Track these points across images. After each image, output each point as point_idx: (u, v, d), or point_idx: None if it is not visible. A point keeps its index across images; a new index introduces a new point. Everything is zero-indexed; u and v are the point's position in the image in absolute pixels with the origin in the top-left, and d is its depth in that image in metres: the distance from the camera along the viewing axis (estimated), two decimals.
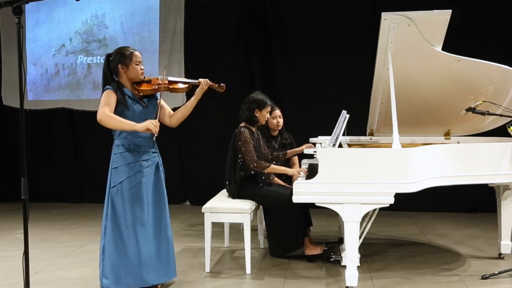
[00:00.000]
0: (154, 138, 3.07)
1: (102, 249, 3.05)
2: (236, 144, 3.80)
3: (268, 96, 3.99)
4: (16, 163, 6.68)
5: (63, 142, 6.71)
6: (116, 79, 3.09)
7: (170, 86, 3.19)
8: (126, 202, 3.02)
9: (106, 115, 2.93)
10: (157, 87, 3.14)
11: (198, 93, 3.21)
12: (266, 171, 3.79)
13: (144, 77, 3.16)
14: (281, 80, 6.10)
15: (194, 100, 3.21)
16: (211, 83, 3.27)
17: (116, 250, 3.01)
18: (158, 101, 3.16)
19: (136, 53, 3.11)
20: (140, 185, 3.05)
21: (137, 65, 3.09)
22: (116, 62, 3.07)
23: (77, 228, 5.20)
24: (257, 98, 3.92)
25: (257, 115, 3.90)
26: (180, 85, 3.22)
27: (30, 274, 2.56)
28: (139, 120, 3.04)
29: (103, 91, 3.07)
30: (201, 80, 3.23)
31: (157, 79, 3.18)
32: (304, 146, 4.15)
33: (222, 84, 3.34)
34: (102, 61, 6.51)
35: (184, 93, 3.40)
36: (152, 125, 2.94)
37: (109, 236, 3.03)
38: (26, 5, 2.57)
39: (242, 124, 3.89)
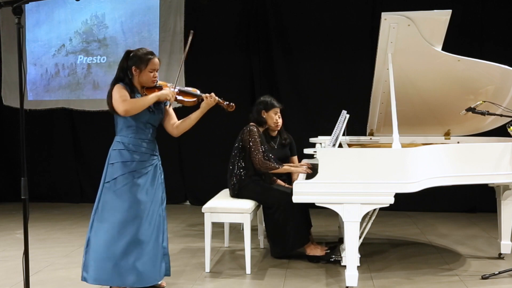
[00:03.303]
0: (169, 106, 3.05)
1: (86, 242, 3.04)
2: (244, 141, 3.84)
3: (274, 99, 4.08)
4: (16, 163, 6.68)
5: (63, 142, 6.71)
6: (130, 78, 3.10)
7: (178, 97, 3.17)
8: (117, 200, 2.99)
9: (129, 102, 2.96)
10: None
11: (203, 107, 3.19)
12: (273, 172, 3.83)
13: (157, 82, 3.15)
14: (281, 80, 6.10)
15: (198, 113, 3.19)
16: (220, 100, 3.24)
17: (100, 246, 2.99)
18: (167, 106, 3.19)
19: (154, 60, 3.08)
20: (133, 185, 3.02)
21: (151, 72, 3.08)
22: (132, 63, 3.07)
23: (77, 228, 5.20)
24: (264, 100, 4.06)
25: (264, 116, 4.01)
26: (188, 99, 3.20)
27: (30, 274, 2.56)
28: (143, 126, 3.07)
29: (113, 83, 3.05)
30: (208, 95, 3.19)
31: (167, 85, 3.17)
32: (300, 168, 4.05)
33: (231, 103, 3.28)
34: (102, 61, 6.66)
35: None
36: (170, 93, 3.07)
37: (95, 231, 3.02)
38: (26, 5, 2.57)
39: (251, 124, 3.96)
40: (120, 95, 2.97)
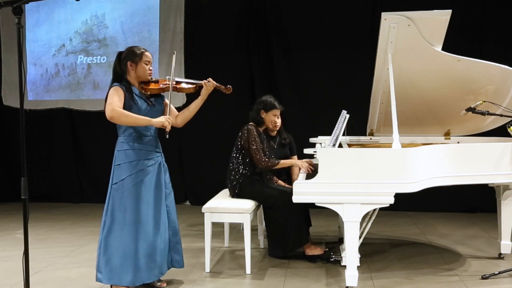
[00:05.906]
0: (167, 136, 3.08)
1: (100, 244, 3.07)
2: (243, 141, 3.84)
3: (277, 100, 4.08)
4: (16, 163, 6.68)
5: (63, 142, 6.71)
6: (125, 77, 3.13)
7: (178, 86, 3.24)
8: (126, 200, 3.03)
9: (118, 111, 2.95)
10: (164, 86, 3.19)
11: (204, 94, 3.27)
12: (276, 167, 3.84)
13: (152, 78, 3.20)
14: (281, 80, 6.10)
15: (199, 100, 3.27)
16: (218, 85, 3.31)
17: (114, 247, 3.02)
18: (166, 101, 3.26)
19: (147, 53, 3.17)
20: (141, 184, 3.06)
21: (146, 64, 3.14)
22: (126, 59, 3.12)
23: (77, 228, 5.20)
24: (264, 100, 4.05)
25: (263, 116, 4.01)
26: (187, 86, 3.27)
27: (30, 274, 2.56)
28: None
29: (110, 87, 3.09)
30: (206, 81, 3.26)
31: (165, 79, 3.23)
32: (303, 163, 4.03)
33: (228, 86, 3.37)
34: (102, 61, 6.66)
35: (184, 93, 3.44)
36: (167, 121, 3.05)
37: (107, 232, 3.05)
38: (26, 5, 2.57)
39: (250, 123, 3.96)
40: (113, 100, 2.98)
